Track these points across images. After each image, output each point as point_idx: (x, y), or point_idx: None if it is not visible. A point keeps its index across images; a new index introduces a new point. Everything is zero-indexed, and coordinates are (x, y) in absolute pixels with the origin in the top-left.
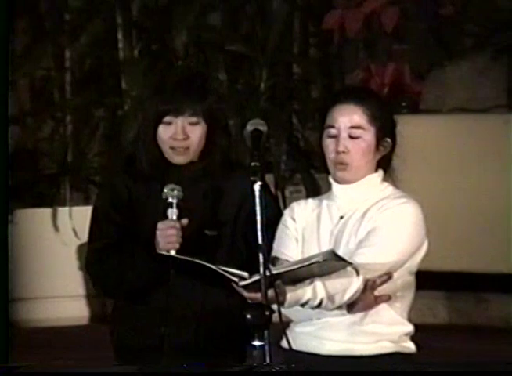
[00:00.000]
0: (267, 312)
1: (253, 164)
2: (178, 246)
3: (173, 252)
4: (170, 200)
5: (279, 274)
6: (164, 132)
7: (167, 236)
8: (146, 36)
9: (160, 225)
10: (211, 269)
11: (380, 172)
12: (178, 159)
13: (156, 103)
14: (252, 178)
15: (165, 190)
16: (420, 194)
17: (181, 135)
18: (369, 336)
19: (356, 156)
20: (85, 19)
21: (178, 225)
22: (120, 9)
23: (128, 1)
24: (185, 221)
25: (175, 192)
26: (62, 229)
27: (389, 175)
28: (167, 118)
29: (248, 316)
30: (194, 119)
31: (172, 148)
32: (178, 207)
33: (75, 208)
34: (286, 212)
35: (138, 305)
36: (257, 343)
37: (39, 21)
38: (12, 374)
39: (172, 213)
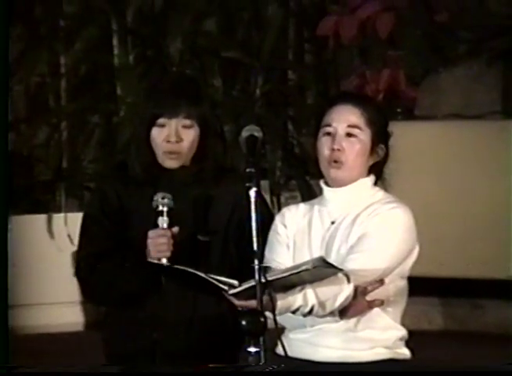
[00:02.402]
0: (262, 319)
1: (248, 170)
2: (169, 254)
3: (164, 260)
4: (160, 208)
5: (269, 281)
6: (158, 135)
7: (158, 245)
8: (141, 42)
9: (150, 233)
10: (201, 277)
11: (372, 177)
12: (171, 163)
13: (150, 106)
14: (247, 185)
15: (155, 199)
16: (415, 200)
17: (174, 138)
18: (363, 342)
19: (350, 155)
20: (80, 26)
21: (168, 233)
22: (116, 15)
23: (124, 7)
24: (175, 229)
25: (166, 200)
26: (57, 235)
27: (381, 182)
28: (160, 120)
29: (243, 323)
30: (188, 122)
31: (165, 152)
32: (168, 215)
33: (70, 215)
34: (277, 218)
35: (129, 312)
36: (252, 349)
37: (34, 27)
38: (12, 374)
39: (163, 221)
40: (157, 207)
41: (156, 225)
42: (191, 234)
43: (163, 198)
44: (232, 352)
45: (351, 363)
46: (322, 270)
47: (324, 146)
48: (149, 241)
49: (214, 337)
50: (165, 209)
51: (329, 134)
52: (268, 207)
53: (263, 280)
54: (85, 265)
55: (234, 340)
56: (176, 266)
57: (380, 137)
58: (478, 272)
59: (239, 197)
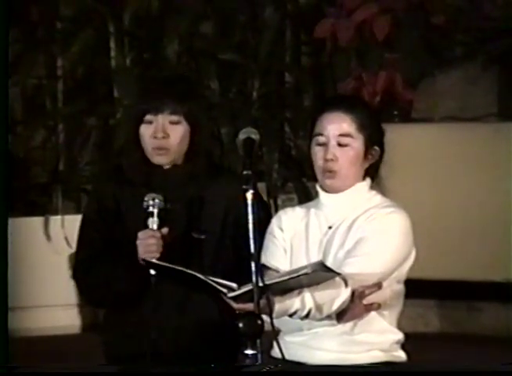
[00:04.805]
0: (259, 321)
1: (245, 172)
2: (158, 255)
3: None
4: (150, 209)
5: (267, 285)
6: (145, 131)
7: (147, 246)
8: (138, 44)
9: (140, 234)
10: (199, 278)
11: (368, 181)
12: (159, 159)
13: (138, 103)
14: (244, 187)
15: (146, 200)
16: (412, 203)
17: (160, 134)
18: (359, 345)
19: (344, 164)
20: (77, 28)
21: (158, 234)
22: (112, 18)
23: (120, 9)
24: (165, 230)
25: (156, 201)
26: (54, 237)
27: (377, 183)
28: (147, 117)
29: (241, 325)
30: (175, 118)
31: (154, 148)
32: (159, 216)
33: (67, 217)
34: (274, 221)
35: (127, 313)
36: (249, 352)
37: (31, 29)
38: (12, 374)
39: (153, 222)
40: (147, 208)
41: (146, 226)
42: (185, 233)
43: (153, 199)
44: (230, 354)
45: (347, 365)
46: (321, 274)
47: (317, 156)
48: (139, 242)
49: (210, 338)
50: (155, 210)
51: (321, 144)
52: (268, 209)
53: (261, 284)
54: (82, 266)
55: (230, 342)
56: (176, 266)
57: (374, 140)
58: (475, 274)
59: (233, 196)
